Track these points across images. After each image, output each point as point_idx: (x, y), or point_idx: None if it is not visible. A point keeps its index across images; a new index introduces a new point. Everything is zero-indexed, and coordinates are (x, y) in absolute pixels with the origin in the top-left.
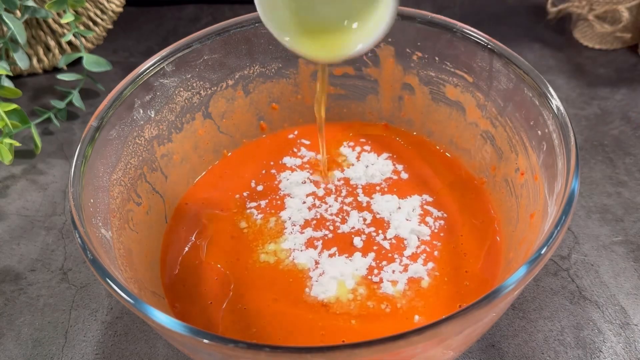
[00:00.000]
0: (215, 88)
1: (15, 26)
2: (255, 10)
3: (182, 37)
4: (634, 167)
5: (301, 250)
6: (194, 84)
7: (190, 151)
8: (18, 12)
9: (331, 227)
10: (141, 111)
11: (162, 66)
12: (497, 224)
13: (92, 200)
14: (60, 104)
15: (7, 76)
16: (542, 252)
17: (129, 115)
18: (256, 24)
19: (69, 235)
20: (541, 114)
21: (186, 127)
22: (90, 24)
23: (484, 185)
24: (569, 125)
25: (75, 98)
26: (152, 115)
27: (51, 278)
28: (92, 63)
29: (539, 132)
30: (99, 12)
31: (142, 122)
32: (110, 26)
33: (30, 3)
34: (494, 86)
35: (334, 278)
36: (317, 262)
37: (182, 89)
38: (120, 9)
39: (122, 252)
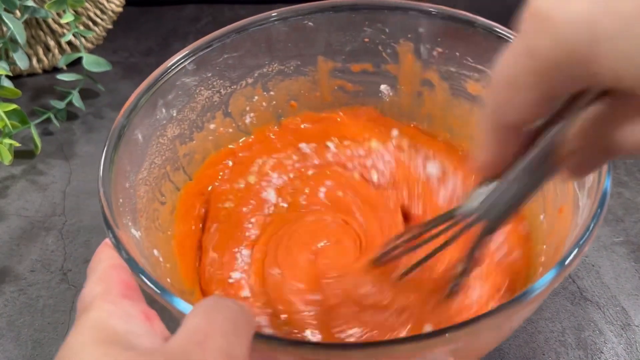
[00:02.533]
0: (235, 86)
1: (15, 26)
2: (254, 10)
3: (182, 37)
4: (634, 168)
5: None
6: (214, 83)
7: (211, 150)
8: (18, 12)
9: None
10: (164, 110)
11: (183, 65)
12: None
13: (120, 200)
14: (60, 104)
15: (7, 76)
16: (581, 242)
17: (153, 114)
18: (275, 22)
19: (69, 236)
20: None
21: (207, 125)
22: (90, 24)
23: None
24: None
25: (75, 98)
26: (174, 115)
27: (51, 279)
28: (92, 63)
29: None
30: (98, 12)
31: (164, 122)
32: (110, 26)
33: (30, 3)
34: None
35: None
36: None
37: (202, 88)
38: (120, 9)
39: (151, 252)
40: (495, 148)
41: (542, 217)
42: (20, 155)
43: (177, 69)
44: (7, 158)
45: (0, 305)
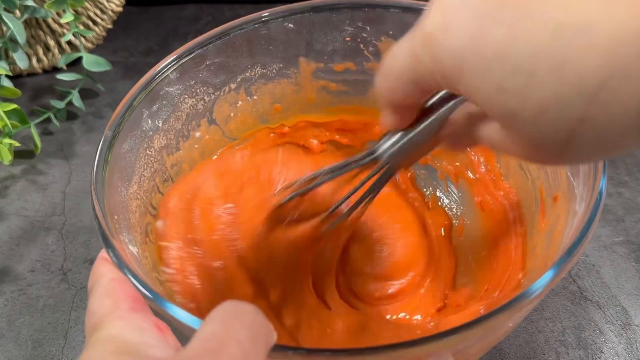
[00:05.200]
0: (219, 93)
1: (15, 26)
2: (254, 9)
3: (182, 37)
4: (634, 168)
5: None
6: (198, 90)
7: (198, 158)
8: (17, 12)
9: None
10: (149, 121)
11: (166, 74)
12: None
13: (115, 217)
14: (60, 104)
15: (7, 76)
16: (587, 231)
17: (139, 126)
18: (256, 25)
19: (69, 236)
20: None
21: (192, 134)
22: (90, 23)
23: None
24: None
25: (75, 98)
26: (160, 125)
27: (51, 279)
28: (92, 63)
29: None
30: (98, 12)
31: (151, 133)
32: (110, 26)
33: (30, 3)
34: None
35: None
36: None
37: (186, 96)
38: (120, 9)
39: (148, 268)
40: (393, 117)
41: (535, 205)
42: (20, 155)
43: (161, 79)
44: (7, 158)
45: (0, 305)
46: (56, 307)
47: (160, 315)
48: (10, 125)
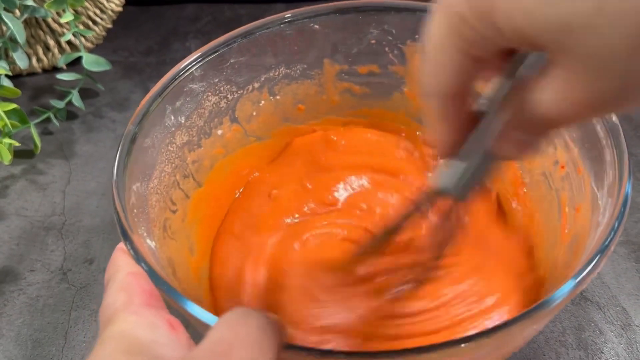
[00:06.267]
0: (242, 91)
1: (15, 25)
2: (254, 9)
3: (182, 36)
4: (635, 167)
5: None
6: (222, 88)
7: (219, 156)
8: (17, 12)
9: None
10: (172, 117)
11: (191, 71)
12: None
13: (135, 211)
14: (60, 104)
15: (7, 76)
16: (608, 242)
17: (162, 121)
18: (281, 25)
19: (69, 236)
20: None
21: (214, 132)
22: (90, 23)
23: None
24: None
25: (75, 98)
26: (183, 121)
27: (51, 278)
28: (92, 62)
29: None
30: (98, 12)
31: (173, 129)
32: (109, 25)
33: (30, 2)
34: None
35: None
36: None
37: (210, 93)
38: (119, 8)
39: (165, 262)
40: (443, 125)
41: (557, 216)
42: (20, 154)
43: (185, 75)
44: (7, 158)
45: (0, 305)
46: (56, 307)
47: (175, 310)
48: (10, 125)
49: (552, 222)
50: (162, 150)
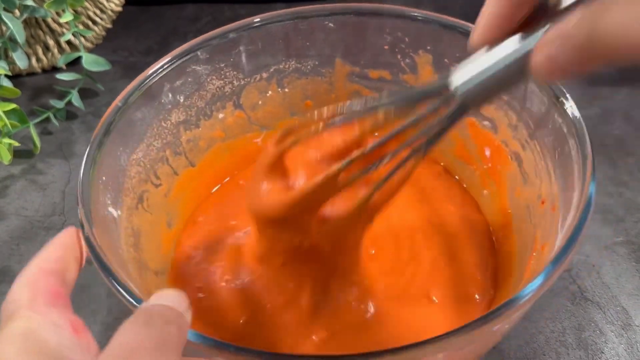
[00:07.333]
0: (249, 79)
1: (14, 25)
2: (254, 9)
3: (182, 36)
4: (635, 168)
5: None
6: (227, 74)
7: (218, 139)
8: (17, 12)
9: None
10: (170, 95)
11: (195, 53)
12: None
13: (103, 178)
14: (60, 104)
15: (6, 76)
16: (576, 237)
17: (157, 98)
18: (296, 19)
19: None
20: (567, 143)
21: (215, 114)
22: (90, 23)
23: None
24: (589, 157)
25: (75, 98)
26: (181, 101)
27: None
28: (92, 62)
29: (562, 160)
30: (98, 12)
31: (169, 106)
32: (109, 25)
33: (29, 2)
34: (526, 107)
35: None
36: None
37: (214, 77)
38: (119, 8)
39: (129, 232)
40: (497, 5)
41: (529, 252)
42: (20, 154)
43: (188, 57)
44: (7, 158)
45: (0, 305)
46: None
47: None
48: (9, 125)
49: (526, 255)
50: (154, 125)
